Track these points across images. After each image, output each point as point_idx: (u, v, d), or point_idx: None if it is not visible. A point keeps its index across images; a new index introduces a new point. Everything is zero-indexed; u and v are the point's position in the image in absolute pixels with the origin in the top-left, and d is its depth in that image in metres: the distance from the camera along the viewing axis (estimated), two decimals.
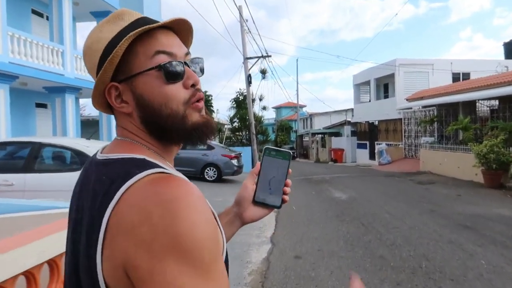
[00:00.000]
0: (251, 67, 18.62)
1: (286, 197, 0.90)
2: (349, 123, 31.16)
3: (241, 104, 19.85)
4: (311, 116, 46.03)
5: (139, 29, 0.67)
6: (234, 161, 13.99)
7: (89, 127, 20.90)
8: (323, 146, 32.93)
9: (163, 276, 0.53)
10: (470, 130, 14.21)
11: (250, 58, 18.55)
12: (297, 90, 40.78)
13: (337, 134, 33.79)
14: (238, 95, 19.81)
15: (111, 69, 0.68)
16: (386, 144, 22.31)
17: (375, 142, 25.65)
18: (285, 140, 49.28)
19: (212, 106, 17.90)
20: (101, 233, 0.58)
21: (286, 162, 0.87)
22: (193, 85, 0.70)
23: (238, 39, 18.03)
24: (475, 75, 22.03)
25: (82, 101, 17.36)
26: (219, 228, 0.67)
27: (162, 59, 0.68)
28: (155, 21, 0.71)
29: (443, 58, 23.84)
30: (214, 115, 18.16)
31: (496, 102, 18.80)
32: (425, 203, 9.08)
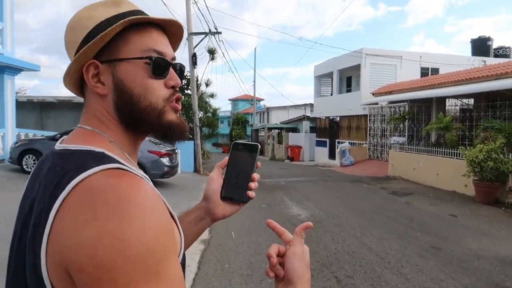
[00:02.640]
0: (196, 45, 15.40)
1: (251, 193, 0.86)
2: (308, 118, 28.75)
3: (183, 89, 16.56)
4: (268, 109, 43.41)
5: (140, 16, 0.68)
6: (165, 160, 10.82)
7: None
8: (280, 142, 30.35)
9: (110, 283, 0.50)
10: (451, 130, 11.94)
11: (196, 33, 15.31)
12: (254, 80, 37.94)
13: (295, 130, 31.35)
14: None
15: (99, 45, 0.66)
16: (349, 143, 19.95)
17: (336, 140, 23.35)
18: (240, 134, 46.34)
19: None
20: (47, 227, 0.54)
21: (254, 155, 0.84)
22: (173, 87, 0.71)
23: (182, 10, 14.71)
24: (444, 70, 20.25)
25: (20, 82, 16.04)
26: (178, 229, 0.65)
27: (152, 54, 0.68)
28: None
29: (412, 51, 21.80)
30: None
31: (470, 101, 16.98)
32: (418, 232, 6.46)
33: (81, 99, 0.75)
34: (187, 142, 15.35)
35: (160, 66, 0.69)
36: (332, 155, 23.82)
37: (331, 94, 25.92)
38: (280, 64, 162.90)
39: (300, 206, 8.66)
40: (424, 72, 21.19)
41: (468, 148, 10.09)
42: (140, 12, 0.71)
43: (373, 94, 19.72)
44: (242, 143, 0.86)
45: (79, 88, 0.73)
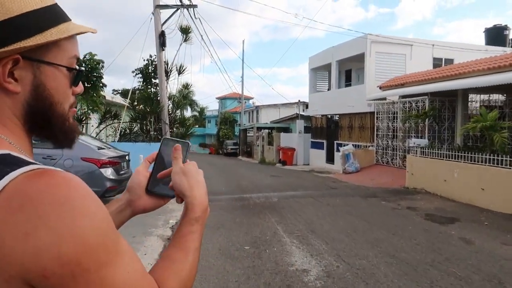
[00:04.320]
0: (165, 21, 12.16)
1: None
2: (302, 117, 25.64)
3: (150, 77, 13.29)
4: (257, 108, 40.24)
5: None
6: (108, 171, 7.59)
7: None
8: (270, 143, 27.21)
9: (83, 275, 0.52)
10: (499, 130, 8.93)
11: (164, 6, 12.06)
12: (242, 76, 34.75)
13: (287, 130, 28.27)
14: (148, 63, 13.24)
15: (30, 46, 0.61)
16: (353, 145, 16.87)
17: (335, 142, 20.30)
18: (228, 135, 43.19)
19: (102, 78, 11.21)
20: None
21: (183, 153, 0.81)
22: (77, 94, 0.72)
23: None
24: (459, 61, 17.37)
25: None
26: None
27: (74, 63, 0.68)
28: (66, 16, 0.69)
29: (424, 39, 18.87)
30: (103, 90, 11.43)
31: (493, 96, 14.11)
32: None
33: None
34: (153, 144, 12.09)
35: (79, 77, 0.69)
36: (330, 159, 20.77)
37: (329, 89, 22.88)
38: (271, 64, 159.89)
39: (304, 249, 5.52)
40: (437, 63, 18.27)
41: None
42: (59, 8, 0.67)
43: (380, 88, 16.72)
44: (173, 139, 0.85)
45: None
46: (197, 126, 59.77)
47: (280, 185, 12.51)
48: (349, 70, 21.96)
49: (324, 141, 21.64)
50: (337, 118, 21.04)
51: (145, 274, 0.61)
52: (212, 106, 58.82)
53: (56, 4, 0.66)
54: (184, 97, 44.02)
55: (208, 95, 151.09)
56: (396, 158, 14.86)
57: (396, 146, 14.86)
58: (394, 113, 15.40)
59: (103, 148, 8.33)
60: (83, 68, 1.10)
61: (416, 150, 11.93)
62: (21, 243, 0.50)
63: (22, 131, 0.65)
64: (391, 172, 14.22)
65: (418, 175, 11.51)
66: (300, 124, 24.34)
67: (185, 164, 0.79)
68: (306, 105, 27.57)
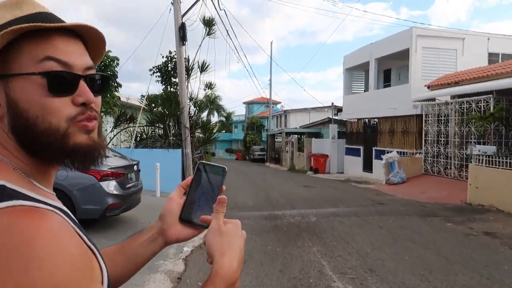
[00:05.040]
0: (185, 13, 10.78)
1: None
2: (335, 121, 23.78)
3: (169, 76, 11.94)
4: (285, 112, 38.55)
5: (29, 24, 0.56)
6: (110, 185, 6.18)
7: None
8: (300, 150, 25.47)
9: None
10: None
11: None
12: (270, 78, 33.24)
13: (318, 135, 26.46)
14: (167, 61, 11.90)
15: None
16: (397, 152, 14.92)
17: (374, 148, 18.39)
18: (255, 140, 41.78)
19: (116, 77, 9.91)
20: None
21: (220, 178, 0.78)
22: (84, 104, 0.60)
23: None
24: None
25: None
26: (98, 261, 0.57)
27: (51, 66, 0.57)
28: (61, 21, 0.61)
29: (477, 31, 16.75)
30: (118, 91, 10.14)
31: None
32: None
33: None
34: (172, 151, 10.72)
35: (61, 81, 0.58)
36: (368, 167, 18.84)
37: (366, 91, 20.97)
38: (298, 69, 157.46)
39: None
40: (493, 59, 16.09)
41: None
42: (44, 15, 0.60)
43: (428, 87, 14.76)
44: (209, 164, 0.80)
45: None
46: (224, 131, 58.96)
47: (316, 199, 10.79)
48: (388, 70, 20.02)
49: (361, 148, 19.73)
50: (375, 122, 19.12)
51: None
52: (238, 111, 57.79)
53: (24, 16, 0.59)
54: (211, 102, 42.93)
55: (234, 100, 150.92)
56: (450, 168, 12.84)
57: (450, 153, 12.85)
58: (446, 116, 13.41)
59: (108, 156, 6.95)
60: (61, 70, 0.56)
61: (481, 159, 9.96)
62: None
63: (23, 154, 0.60)
64: (445, 183, 12.23)
65: (485, 188, 9.53)
66: (333, 129, 22.50)
67: (227, 223, 0.71)
68: (338, 110, 25.71)
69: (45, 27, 0.57)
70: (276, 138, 34.05)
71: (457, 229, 7.15)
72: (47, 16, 0.60)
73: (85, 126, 0.60)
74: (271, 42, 42.81)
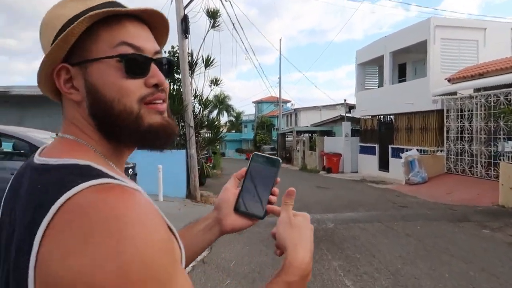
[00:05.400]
0: (187, 4, 10.05)
1: (271, 207, 0.80)
2: (348, 119, 22.87)
3: (172, 73, 11.20)
4: (296, 111, 37.72)
5: (105, 9, 0.59)
6: None
7: None
8: (312, 148, 24.63)
9: None
10: None
11: None
12: (279, 77, 32.42)
13: (329, 134, 25.59)
14: (169, 56, 11.18)
15: (65, 48, 0.60)
16: (417, 150, 13.98)
17: (390, 146, 17.47)
18: (265, 139, 41.03)
19: None
20: (33, 257, 0.47)
21: (274, 170, 0.80)
22: (156, 85, 0.63)
23: None
24: None
25: None
26: (178, 243, 0.57)
27: (126, 50, 0.61)
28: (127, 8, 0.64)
29: (500, 21, 15.74)
30: None
31: None
32: None
33: None
34: (175, 152, 9.99)
35: (136, 64, 0.61)
36: (384, 166, 17.93)
37: (380, 86, 20.04)
38: (308, 69, 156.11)
39: None
40: None
41: None
42: (113, 4, 0.63)
43: (449, 81, 13.82)
44: (263, 156, 0.82)
45: (57, 93, 0.65)
46: (234, 131, 58.31)
47: (332, 201, 9.97)
48: (403, 64, 19.07)
49: (376, 146, 18.82)
50: (391, 119, 18.19)
51: None
52: (248, 110, 57.02)
53: (94, 6, 0.62)
54: (221, 102, 42.23)
55: (244, 99, 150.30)
56: (476, 166, 11.89)
57: (476, 150, 11.90)
58: (470, 110, 12.46)
59: None
60: (135, 52, 0.59)
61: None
62: (63, 262, 0.46)
63: (100, 137, 0.62)
64: (471, 183, 11.30)
65: None
66: (346, 127, 21.60)
67: (296, 216, 0.73)
68: (349, 108, 24.81)
69: (118, 12, 0.60)
70: (287, 137, 33.26)
71: (496, 237, 6.29)
72: (114, 4, 0.63)
73: (155, 107, 0.62)
74: (280, 39, 41.90)
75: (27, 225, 0.50)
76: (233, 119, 56.84)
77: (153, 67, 0.62)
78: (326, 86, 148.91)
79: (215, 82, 11.18)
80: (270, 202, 0.80)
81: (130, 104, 0.60)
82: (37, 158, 0.59)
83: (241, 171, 0.81)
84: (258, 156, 0.81)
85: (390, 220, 7.50)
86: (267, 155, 0.81)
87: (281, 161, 0.81)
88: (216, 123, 11.40)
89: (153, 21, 0.66)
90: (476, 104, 11.94)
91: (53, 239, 0.47)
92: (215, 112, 53.87)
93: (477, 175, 11.74)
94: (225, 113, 54.56)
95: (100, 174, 0.54)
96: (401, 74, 19.17)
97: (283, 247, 0.70)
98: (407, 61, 18.83)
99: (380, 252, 5.44)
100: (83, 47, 0.60)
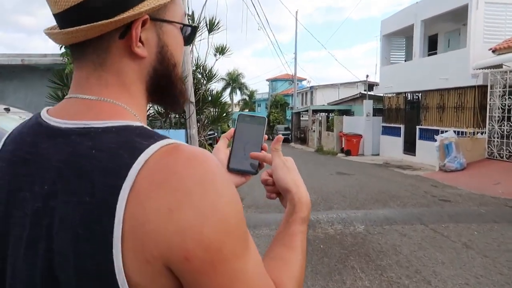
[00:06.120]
0: None
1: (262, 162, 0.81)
2: (370, 97, 21.00)
3: None
4: (312, 89, 35.77)
5: None
6: None
7: None
8: (329, 129, 22.92)
9: (222, 263, 0.48)
10: None
11: None
12: (295, 52, 30.44)
13: (348, 113, 23.78)
14: None
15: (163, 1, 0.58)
16: (454, 132, 12.17)
17: (417, 127, 15.70)
18: (279, 119, 39.42)
19: None
20: (117, 223, 0.46)
21: (262, 127, 0.82)
22: None
23: None
24: None
25: None
26: None
27: (185, 21, 0.65)
28: None
29: None
30: None
31: None
32: None
33: None
34: (173, 132, 8.58)
35: (192, 36, 0.66)
36: (409, 149, 16.22)
37: (407, 60, 18.05)
38: (325, 43, 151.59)
39: None
40: None
41: None
42: None
43: (493, 51, 11.87)
44: (249, 115, 0.83)
45: (94, 42, 0.57)
46: (247, 110, 56.79)
47: (357, 192, 8.40)
48: (434, 35, 17.01)
49: (401, 126, 17.05)
50: (418, 97, 16.31)
51: (266, 274, 0.54)
52: (261, 89, 55.19)
53: None
54: (234, 80, 40.65)
55: (257, 77, 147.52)
56: None
57: None
58: None
59: None
60: (195, 25, 0.73)
61: None
62: (165, 219, 0.46)
63: (143, 97, 0.62)
64: None
65: None
66: (368, 105, 19.76)
67: (286, 159, 0.75)
68: (369, 86, 22.89)
69: None
70: (302, 117, 31.53)
71: None
72: None
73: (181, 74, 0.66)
74: (296, 11, 38.89)
75: (96, 198, 0.47)
76: (247, 97, 55.35)
77: None
78: (345, 64, 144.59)
79: (221, 50, 9.53)
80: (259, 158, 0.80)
81: (181, 70, 0.63)
82: (60, 122, 0.55)
83: (230, 131, 0.82)
84: (244, 116, 0.82)
85: (435, 221, 5.92)
86: (251, 113, 0.67)
87: (266, 118, 0.83)
88: (222, 99, 9.81)
89: None
90: None
91: (144, 201, 0.46)
92: (228, 91, 52.63)
93: None
94: (238, 92, 53.07)
95: (159, 136, 0.53)
96: (431, 47, 17.12)
97: (285, 189, 0.71)
98: (439, 31, 16.79)
99: (437, 276, 3.90)
100: (164, 6, 0.59)
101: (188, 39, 0.64)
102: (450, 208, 6.88)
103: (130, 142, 0.50)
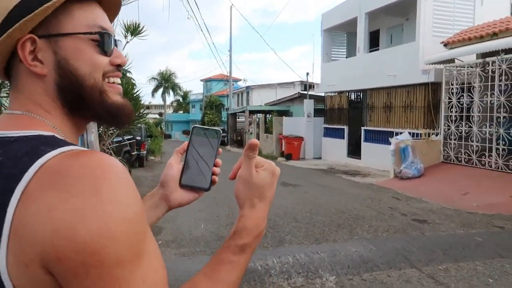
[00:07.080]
0: None
1: (215, 178, 0.78)
2: (310, 96, 19.68)
3: None
4: (248, 89, 34.12)
5: None
6: None
7: None
8: (268, 131, 21.30)
9: (96, 267, 0.46)
10: None
11: None
12: (230, 50, 28.54)
13: (286, 114, 22.39)
14: None
15: (39, 18, 0.58)
16: (409, 133, 10.93)
17: (362, 128, 14.57)
18: (214, 120, 37.53)
19: None
20: (6, 225, 0.47)
21: (216, 141, 0.77)
22: (118, 65, 0.66)
23: None
24: None
25: None
26: None
27: (99, 29, 0.63)
28: None
29: None
30: None
31: None
32: None
33: None
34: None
35: (108, 42, 0.64)
36: (354, 152, 15.06)
37: (349, 56, 16.93)
38: (259, 49, 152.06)
39: None
40: None
41: None
42: None
43: (445, 45, 10.90)
44: (203, 128, 0.78)
45: (3, 70, 0.64)
46: (181, 111, 53.71)
47: (310, 213, 6.60)
48: (376, 31, 16.03)
49: (345, 128, 15.86)
50: (363, 96, 15.19)
51: None
52: (196, 90, 52.67)
53: None
54: (166, 79, 37.48)
55: (192, 79, 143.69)
56: (490, 155, 9.07)
57: (491, 134, 9.07)
58: (482, 81, 9.56)
59: None
60: (108, 32, 0.62)
61: None
62: (43, 220, 0.46)
63: (62, 113, 0.62)
64: (486, 178, 8.48)
65: None
66: (308, 105, 18.38)
67: (260, 170, 0.65)
68: (305, 86, 21.71)
69: None
70: (238, 118, 29.70)
71: None
72: None
73: (116, 88, 0.64)
74: (231, 7, 36.40)
75: None
76: (180, 98, 52.69)
77: (115, 48, 0.65)
78: (278, 67, 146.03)
79: (133, 30, 7.21)
80: (213, 174, 0.77)
81: (98, 78, 0.61)
82: None
83: (183, 145, 0.79)
84: (199, 129, 0.78)
85: (427, 261, 4.25)
86: (207, 127, 0.78)
87: (221, 132, 0.78)
88: (138, 92, 7.51)
89: (106, 5, 0.66)
90: (493, 73, 9.02)
91: (31, 203, 0.47)
92: (160, 91, 49.14)
93: (491, 167, 8.95)
94: (171, 92, 50.04)
95: (67, 144, 0.54)
96: (373, 44, 16.15)
97: (240, 205, 0.66)
98: (381, 27, 15.87)
99: None
100: (53, 21, 0.59)
101: (105, 46, 0.62)
102: (434, 234, 5.31)
103: (35, 149, 0.51)
